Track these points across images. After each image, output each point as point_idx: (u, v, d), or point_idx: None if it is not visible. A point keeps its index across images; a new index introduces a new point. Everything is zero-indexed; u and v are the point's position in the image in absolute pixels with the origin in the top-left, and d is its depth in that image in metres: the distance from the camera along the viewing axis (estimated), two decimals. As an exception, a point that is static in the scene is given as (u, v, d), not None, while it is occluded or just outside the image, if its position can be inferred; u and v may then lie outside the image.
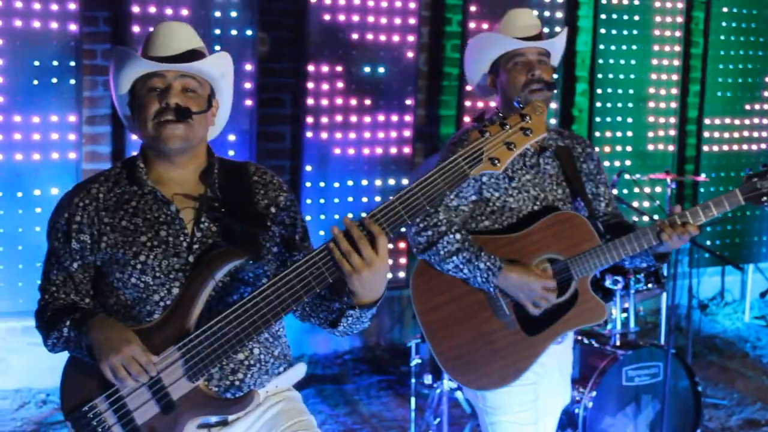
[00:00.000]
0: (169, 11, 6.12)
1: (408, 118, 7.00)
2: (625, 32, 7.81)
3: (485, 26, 7.15)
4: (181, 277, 2.74)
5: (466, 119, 7.18)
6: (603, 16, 7.69)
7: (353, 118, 6.85)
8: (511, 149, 2.62)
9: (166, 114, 2.73)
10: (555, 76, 3.80)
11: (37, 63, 5.87)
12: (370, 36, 6.78)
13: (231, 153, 6.39)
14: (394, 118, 6.96)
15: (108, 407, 2.69)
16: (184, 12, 6.19)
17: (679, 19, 8.02)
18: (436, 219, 3.59)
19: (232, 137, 6.42)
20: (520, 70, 3.67)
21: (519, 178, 3.68)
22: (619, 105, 7.89)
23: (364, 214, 2.57)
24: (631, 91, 7.92)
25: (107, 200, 2.82)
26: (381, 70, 6.85)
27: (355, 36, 6.74)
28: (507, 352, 3.64)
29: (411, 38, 6.92)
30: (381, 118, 6.90)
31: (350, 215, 2.44)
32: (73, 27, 5.92)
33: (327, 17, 6.64)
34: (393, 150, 6.97)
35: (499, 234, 3.65)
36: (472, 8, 7.18)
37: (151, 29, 2.84)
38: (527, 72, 3.67)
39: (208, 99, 2.84)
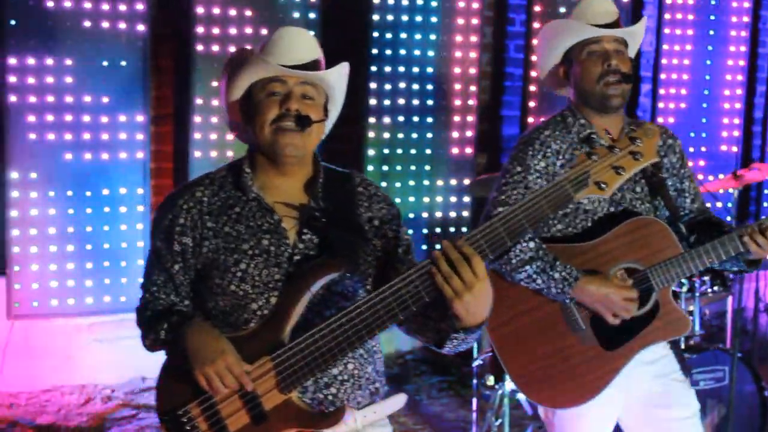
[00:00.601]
0: (233, 12, 6.16)
1: (470, 118, 6.98)
2: (690, 32, 7.72)
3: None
4: (280, 288, 2.71)
5: (530, 120, 7.15)
6: (667, 16, 7.62)
7: (415, 118, 6.85)
8: (620, 173, 2.53)
9: (286, 120, 2.69)
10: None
11: (105, 63, 5.93)
12: (433, 36, 6.77)
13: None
14: (456, 118, 6.95)
15: (201, 413, 2.68)
16: (248, 13, 6.24)
17: (746, 19, 7.91)
18: None
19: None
20: (595, 61, 3.47)
21: None
22: (683, 105, 7.81)
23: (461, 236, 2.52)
24: (695, 92, 7.83)
25: (211, 204, 2.80)
26: (443, 70, 6.84)
27: (418, 36, 6.75)
28: (584, 368, 3.46)
29: (474, 38, 6.90)
30: (443, 118, 6.89)
31: (441, 238, 2.40)
32: (141, 27, 5.97)
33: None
34: (455, 150, 6.95)
35: (574, 242, 3.49)
36: (536, 8, 7.14)
37: (274, 34, 2.79)
38: (603, 62, 3.46)
39: (324, 107, 2.82)
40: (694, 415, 3.56)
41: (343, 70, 2.83)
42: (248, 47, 2.83)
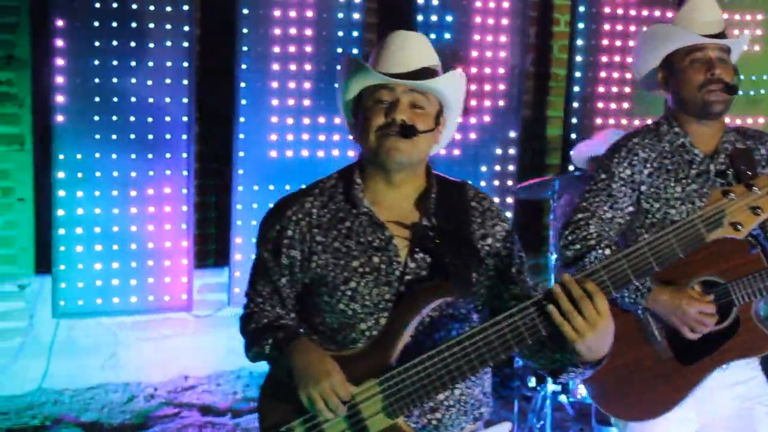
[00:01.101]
0: (277, 13, 6.18)
1: (514, 119, 6.94)
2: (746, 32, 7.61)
3: (594, 26, 7.06)
4: (390, 308, 2.62)
5: (574, 120, 7.10)
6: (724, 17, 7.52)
7: (458, 119, 6.81)
8: (758, 214, 2.44)
9: (391, 129, 2.61)
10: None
11: (151, 63, 5.97)
12: (477, 36, 6.75)
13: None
14: (500, 119, 6.91)
15: (304, 431, 2.63)
16: (309, 13, 6.27)
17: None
18: (586, 232, 3.37)
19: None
20: (698, 68, 3.34)
21: (683, 187, 3.38)
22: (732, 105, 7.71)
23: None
24: (740, 92, 7.72)
25: (320, 216, 2.73)
26: (487, 70, 6.81)
27: (461, 36, 6.73)
28: (658, 381, 3.37)
29: (518, 39, 6.86)
30: (487, 118, 6.86)
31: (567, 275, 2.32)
32: (187, 28, 6.00)
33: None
34: (498, 151, 6.92)
35: None
36: (581, 8, 7.09)
37: (386, 38, 2.72)
38: (706, 71, 3.33)
39: (436, 116, 2.70)
40: None
41: (455, 77, 2.73)
42: (355, 54, 2.74)
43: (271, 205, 2.85)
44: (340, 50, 6.30)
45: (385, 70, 2.65)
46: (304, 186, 2.86)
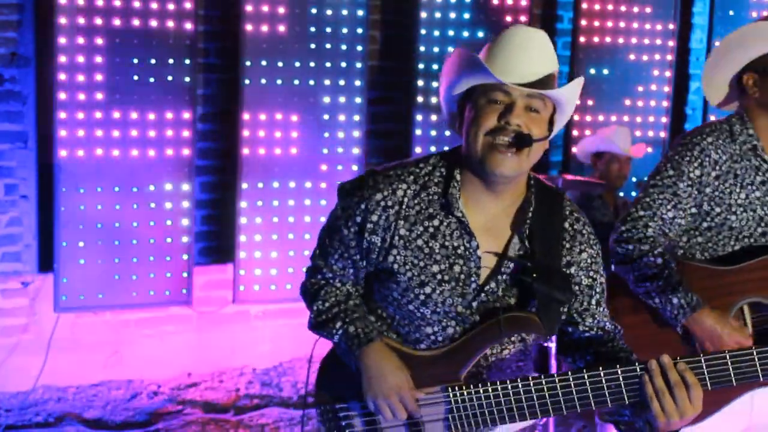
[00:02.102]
0: (281, 10, 6.17)
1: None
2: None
3: (596, 23, 7.05)
4: (459, 319, 2.54)
5: (576, 117, 7.09)
6: (719, 14, 7.52)
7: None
8: None
9: (503, 135, 2.41)
10: None
11: (153, 61, 5.97)
12: (481, 34, 6.74)
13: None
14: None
15: (360, 416, 2.62)
16: (313, 10, 6.27)
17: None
18: (642, 234, 3.26)
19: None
20: None
21: (747, 194, 3.27)
22: (734, 103, 7.69)
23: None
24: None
25: (409, 207, 2.55)
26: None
27: (465, 34, 6.71)
28: None
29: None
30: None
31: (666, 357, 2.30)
32: (188, 26, 6.00)
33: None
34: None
35: (711, 262, 3.28)
36: (584, 5, 7.08)
37: (503, 34, 2.50)
38: None
39: (549, 121, 2.51)
40: None
41: (577, 88, 2.53)
42: (465, 49, 2.51)
43: (359, 177, 2.67)
44: (344, 47, 6.32)
45: (502, 72, 2.42)
46: (396, 165, 2.66)
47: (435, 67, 6.61)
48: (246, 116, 6.20)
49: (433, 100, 6.64)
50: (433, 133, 6.73)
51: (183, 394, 6.20)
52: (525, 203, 2.57)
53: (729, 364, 2.37)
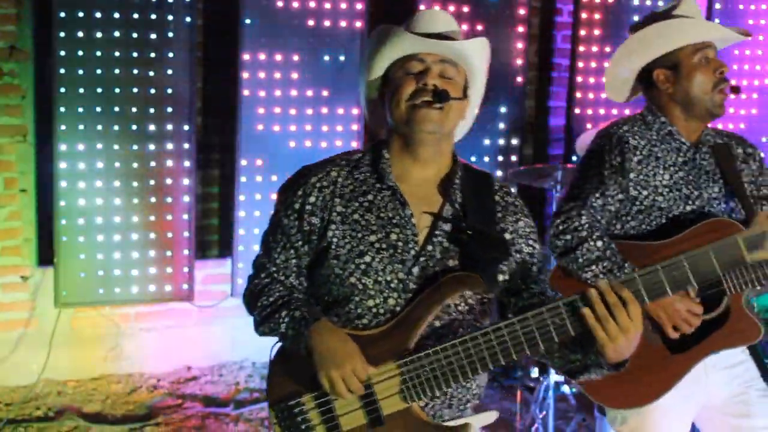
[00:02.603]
0: (280, 4, 6.17)
1: (517, 109, 6.93)
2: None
3: (597, 16, 7.05)
4: (400, 288, 2.61)
5: (577, 111, 7.09)
6: (718, 6, 7.49)
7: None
8: None
9: (423, 95, 2.58)
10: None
11: (153, 54, 5.98)
12: (479, 27, 6.74)
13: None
14: (503, 109, 6.90)
15: (315, 407, 2.64)
16: (312, 4, 6.25)
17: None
18: (578, 223, 3.35)
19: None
20: (708, 68, 3.41)
21: (671, 175, 3.43)
22: (754, 112, 7.64)
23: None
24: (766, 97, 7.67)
25: (344, 186, 2.70)
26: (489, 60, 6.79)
27: (464, 27, 6.71)
28: (647, 370, 3.34)
29: (521, 29, 6.85)
30: (489, 108, 6.85)
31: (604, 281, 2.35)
32: (187, 19, 5.99)
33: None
34: (501, 141, 6.91)
35: (647, 240, 3.40)
36: (584, -2, 7.09)
37: (412, 17, 2.72)
38: (714, 71, 3.40)
39: (463, 90, 2.69)
40: None
41: (482, 43, 2.71)
42: (383, 26, 2.71)
43: (292, 174, 2.81)
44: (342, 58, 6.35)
45: (414, 40, 2.63)
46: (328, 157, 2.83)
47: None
48: (245, 110, 6.20)
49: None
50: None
51: (183, 388, 6.21)
52: (451, 172, 2.71)
53: (662, 274, 2.44)
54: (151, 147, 6.04)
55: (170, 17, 5.96)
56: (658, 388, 3.37)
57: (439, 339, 2.58)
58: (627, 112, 7.13)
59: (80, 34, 5.78)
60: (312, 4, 6.26)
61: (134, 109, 5.98)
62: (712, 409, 3.46)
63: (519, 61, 6.87)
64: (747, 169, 3.57)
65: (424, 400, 2.60)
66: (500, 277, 2.67)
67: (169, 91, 6.03)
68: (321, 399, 2.63)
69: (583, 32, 7.06)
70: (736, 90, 3.42)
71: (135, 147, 6.01)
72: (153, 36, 5.95)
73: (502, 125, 6.89)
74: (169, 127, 6.07)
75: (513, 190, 2.83)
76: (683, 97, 3.45)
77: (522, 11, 6.84)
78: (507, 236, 2.70)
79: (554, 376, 5.16)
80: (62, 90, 5.78)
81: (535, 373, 5.33)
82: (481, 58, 2.70)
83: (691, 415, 3.48)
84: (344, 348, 2.54)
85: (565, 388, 5.25)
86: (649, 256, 3.29)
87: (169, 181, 6.10)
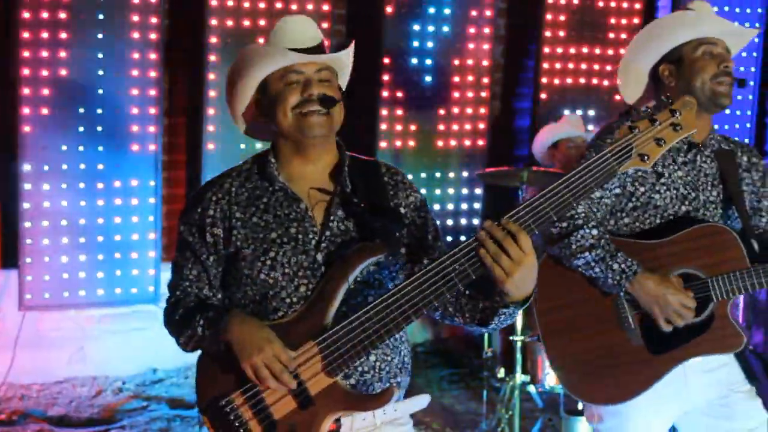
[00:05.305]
0: (246, 5, 6.16)
1: (483, 110, 6.96)
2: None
3: (562, 18, 7.08)
4: (309, 275, 2.72)
5: (542, 112, 7.12)
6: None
7: (428, 110, 6.83)
8: (661, 145, 2.55)
9: (310, 105, 2.73)
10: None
11: (118, 56, 5.95)
12: (446, 28, 6.76)
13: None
14: (469, 110, 6.92)
15: (245, 401, 2.67)
16: (278, 5, 6.24)
17: (760, 10, 7.82)
18: (573, 211, 3.34)
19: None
20: (710, 60, 3.41)
21: (669, 174, 3.42)
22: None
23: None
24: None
25: (239, 195, 2.82)
26: (456, 62, 6.83)
27: (431, 28, 6.73)
28: (627, 368, 3.37)
29: (487, 30, 6.87)
30: (456, 110, 6.88)
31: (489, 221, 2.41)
32: (154, 20, 5.97)
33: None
34: (467, 142, 6.94)
35: (639, 238, 3.39)
36: (549, 0, 7.11)
37: (277, 24, 2.83)
38: (719, 63, 3.40)
39: (339, 90, 2.84)
40: (759, 426, 3.45)
41: (350, 50, 2.90)
42: (253, 44, 2.86)
43: (190, 196, 2.93)
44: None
45: (291, 52, 2.76)
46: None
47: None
48: (211, 111, 6.18)
49: (399, 94, 6.66)
50: (399, 127, 6.76)
51: (148, 390, 6.19)
52: (340, 162, 2.85)
53: (545, 202, 2.51)
54: (117, 148, 6.02)
55: (136, 18, 5.94)
56: (634, 388, 3.38)
57: (354, 312, 2.64)
58: (591, 113, 7.19)
59: (45, 35, 5.76)
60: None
61: (99, 111, 5.95)
62: (696, 413, 3.46)
63: (485, 63, 6.90)
64: (749, 178, 3.57)
65: (350, 372, 2.68)
66: (401, 249, 2.79)
67: (135, 92, 6.02)
68: (249, 392, 2.67)
69: (548, 33, 7.09)
70: (742, 83, 3.44)
71: (100, 148, 5.98)
72: (118, 37, 5.94)
73: (468, 126, 6.91)
74: (135, 128, 6.04)
75: (401, 172, 2.97)
76: (685, 89, 3.42)
77: (489, 12, 6.86)
78: (402, 210, 2.84)
79: (520, 377, 5.18)
80: (26, 91, 5.76)
81: (501, 373, 5.34)
82: (349, 58, 2.90)
83: (670, 417, 3.48)
84: (261, 334, 2.61)
85: (531, 389, 5.26)
86: (638, 254, 3.33)
87: (134, 182, 6.07)
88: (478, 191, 7.00)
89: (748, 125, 7.98)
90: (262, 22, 6.22)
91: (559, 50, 7.14)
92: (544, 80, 7.14)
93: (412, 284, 2.56)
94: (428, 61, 6.76)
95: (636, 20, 7.35)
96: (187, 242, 2.83)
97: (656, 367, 3.36)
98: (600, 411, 3.49)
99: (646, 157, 2.55)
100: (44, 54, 5.77)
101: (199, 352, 2.82)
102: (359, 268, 2.65)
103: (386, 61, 6.61)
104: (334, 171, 2.84)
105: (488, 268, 2.47)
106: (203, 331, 2.72)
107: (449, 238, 6.89)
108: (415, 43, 6.70)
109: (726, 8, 7.65)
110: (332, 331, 2.60)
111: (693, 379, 3.41)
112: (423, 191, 6.55)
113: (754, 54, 7.88)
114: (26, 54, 5.71)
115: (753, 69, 7.84)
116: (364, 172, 2.88)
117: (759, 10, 7.78)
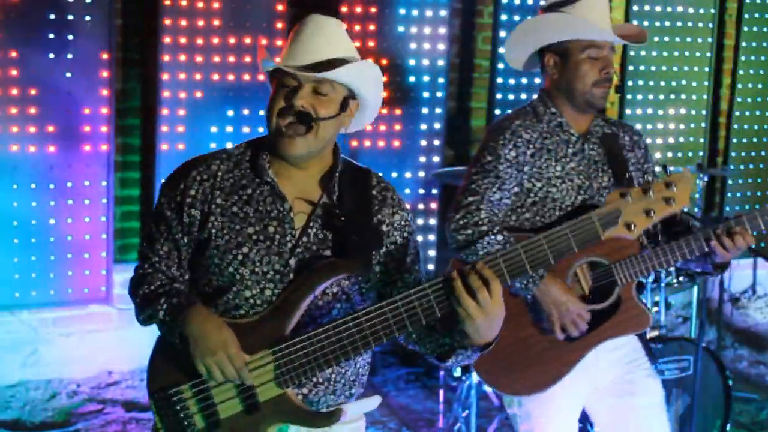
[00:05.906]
0: (200, 4, 6.12)
1: (438, 110, 6.97)
2: (657, 24, 7.71)
3: (516, 18, 7.11)
4: (276, 280, 2.68)
5: (497, 112, 7.14)
6: (635, 8, 7.60)
7: (383, 110, 6.82)
8: (650, 216, 2.53)
9: (288, 116, 2.64)
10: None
11: (70, 55, 5.93)
12: (401, 28, 6.76)
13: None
14: (425, 110, 6.93)
15: (193, 395, 2.68)
16: (233, 4, 6.21)
17: (712, 10, 7.91)
18: (478, 217, 3.44)
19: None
20: (594, 65, 3.51)
21: (563, 166, 3.55)
22: (650, 97, 7.81)
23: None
24: (662, 83, 7.83)
25: (224, 180, 2.75)
26: (412, 62, 6.83)
27: (385, 28, 6.73)
28: (544, 357, 3.53)
29: (442, 30, 6.88)
30: (411, 110, 6.89)
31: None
32: (118, 21, 5.91)
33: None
34: (423, 142, 6.94)
35: (537, 232, 3.49)
36: (504, 0, 7.13)
37: (300, 23, 2.75)
38: (600, 69, 3.51)
39: (341, 103, 2.70)
40: (658, 402, 3.64)
41: (360, 67, 2.72)
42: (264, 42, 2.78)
43: (176, 167, 2.85)
44: (264, 41, 6.26)
45: (293, 59, 2.67)
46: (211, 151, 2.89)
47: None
48: (165, 111, 6.13)
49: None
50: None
51: (103, 393, 6.14)
52: (332, 167, 2.78)
53: (522, 255, 2.53)
54: (69, 148, 5.99)
55: (88, 18, 5.92)
56: (552, 376, 3.53)
57: (318, 326, 2.64)
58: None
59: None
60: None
61: (51, 111, 5.92)
62: (601, 390, 3.62)
63: (441, 63, 6.91)
64: (633, 157, 3.69)
65: (302, 385, 2.67)
66: (375, 267, 2.76)
67: (87, 92, 5.99)
68: (199, 387, 2.68)
69: (503, 34, 7.11)
70: (618, 90, 3.54)
71: (52, 148, 5.95)
72: (70, 36, 5.91)
73: (423, 126, 6.92)
74: (87, 128, 6.01)
75: (391, 187, 2.89)
76: (565, 87, 3.57)
77: (443, 13, 6.87)
78: (384, 228, 2.78)
79: (476, 376, 5.19)
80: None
81: (457, 372, 5.35)
82: (363, 79, 2.73)
83: (582, 397, 3.63)
84: (219, 334, 2.58)
85: (487, 388, 5.28)
86: None
87: (87, 183, 6.04)
88: (435, 191, 7.00)
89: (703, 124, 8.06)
90: (216, 22, 6.18)
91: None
92: (499, 80, 7.13)
93: (378, 311, 2.56)
94: (384, 61, 6.73)
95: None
96: (165, 216, 2.78)
97: (572, 354, 3.52)
98: (517, 397, 3.62)
99: (632, 226, 2.53)
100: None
101: (153, 345, 2.81)
102: (327, 283, 2.64)
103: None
104: (325, 176, 2.77)
105: (454, 307, 2.48)
106: (164, 316, 2.70)
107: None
108: (371, 44, 6.69)
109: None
110: (290, 343, 2.61)
111: (598, 359, 3.56)
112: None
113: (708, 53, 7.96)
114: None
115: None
116: (355, 181, 2.81)
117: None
